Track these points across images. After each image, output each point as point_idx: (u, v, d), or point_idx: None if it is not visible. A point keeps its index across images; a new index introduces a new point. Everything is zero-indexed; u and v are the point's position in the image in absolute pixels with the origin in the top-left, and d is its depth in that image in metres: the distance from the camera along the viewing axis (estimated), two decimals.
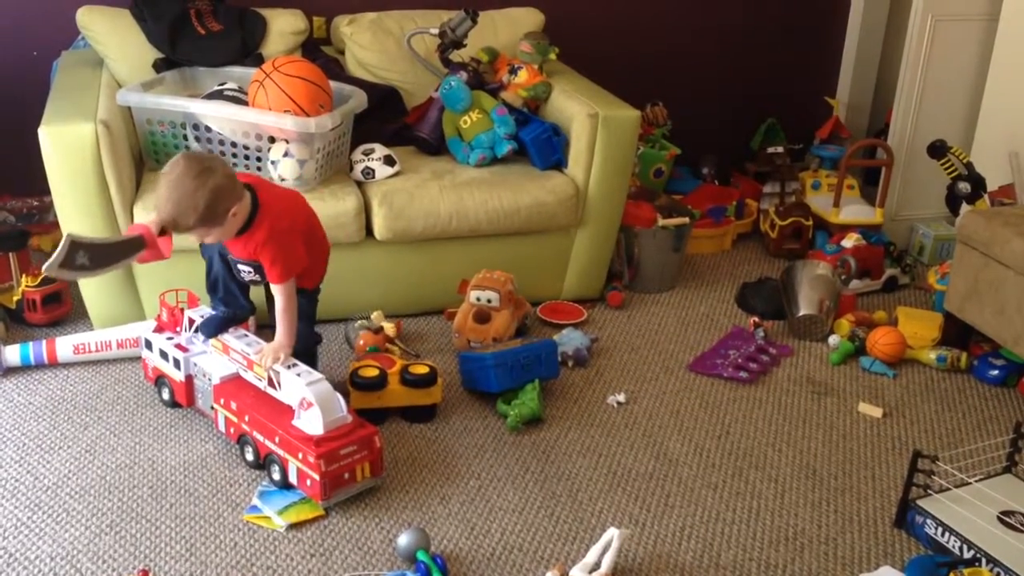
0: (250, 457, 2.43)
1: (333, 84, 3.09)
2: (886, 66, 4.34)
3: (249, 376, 2.47)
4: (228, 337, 2.52)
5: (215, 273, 2.57)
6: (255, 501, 2.33)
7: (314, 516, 2.28)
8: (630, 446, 2.63)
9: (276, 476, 2.35)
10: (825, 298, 3.23)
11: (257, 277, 2.48)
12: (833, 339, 3.18)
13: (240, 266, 2.48)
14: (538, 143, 3.23)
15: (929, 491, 2.32)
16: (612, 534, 2.12)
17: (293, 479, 2.31)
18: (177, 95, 3.06)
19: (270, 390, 2.41)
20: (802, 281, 3.28)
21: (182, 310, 2.67)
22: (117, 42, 3.25)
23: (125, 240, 2.34)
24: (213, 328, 2.55)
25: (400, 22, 3.52)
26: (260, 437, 2.38)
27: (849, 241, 3.58)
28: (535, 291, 3.29)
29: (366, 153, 3.15)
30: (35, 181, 2.92)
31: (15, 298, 3.04)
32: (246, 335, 2.54)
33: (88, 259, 2.29)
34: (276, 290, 2.44)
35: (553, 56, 3.49)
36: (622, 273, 3.51)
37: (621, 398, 2.83)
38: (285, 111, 2.89)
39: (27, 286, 3.01)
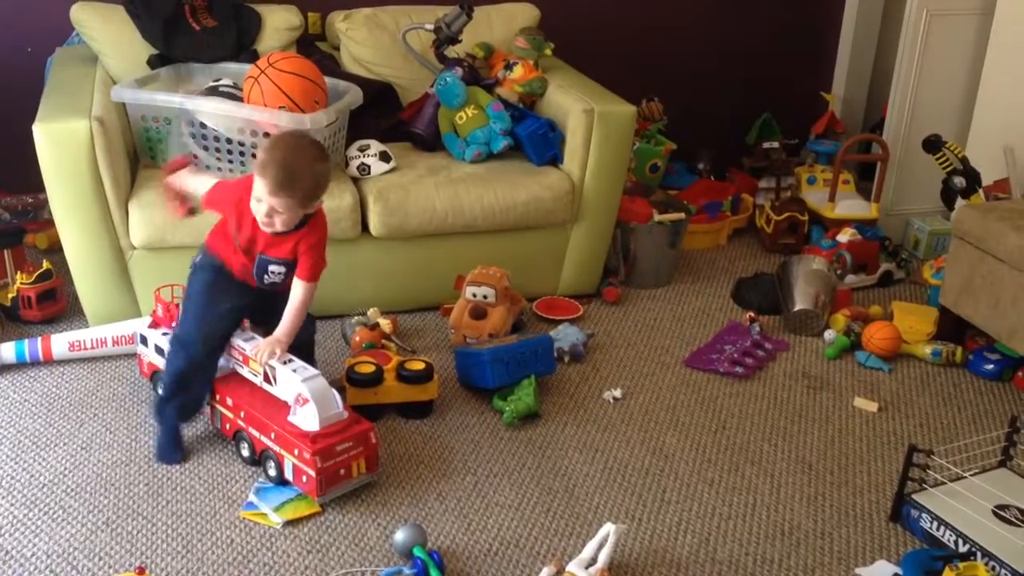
0: (246, 453, 2.43)
1: (328, 80, 3.09)
2: (881, 61, 4.34)
3: (245, 372, 2.47)
4: None
5: (206, 349, 2.42)
6: (251, 498, 2.33)
7: (310, 512, 2.28)
8: (626, 441, 2.63)
9: (272, 472, 2.35)
10: (821, 293, 3.24)
11: (280, 278, 2.41)
12: (829, 334, 3.18)
13: (271, 267, 2.39)
14: (534, 139, 3.23)
15: (924, 485, 2.33)
16: (608, 529, 2.12)
17: (289, 475, 2.31)
18: (172, 91, 3.05)
19: (266, 386, 2.40)
20: (798, 276, 3.29)
21: (177, 305, 2.67)
22: (111, 38, 3.24)
23: None
24: (175, 450, 2.46)
25: (395, 17, 3.51)
26: (256, 433, 2.38)
27: (844, 236, 3.58)
28: (531, 287, 3.29)
29: (361, 149, 3.15)
30: (30, 178, 2.91)
31: (10, 295, 3.03)
32: (242, 331, 2.53)
33: None
34: (302, 288, 2.39)
35: (548, 52, 3.49)
36: (618, 269, 3.52)
37: (617, 393, 2.83)
38: (280, 107, 2.89)
39: (22, 283, 3.00)
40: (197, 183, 2.51)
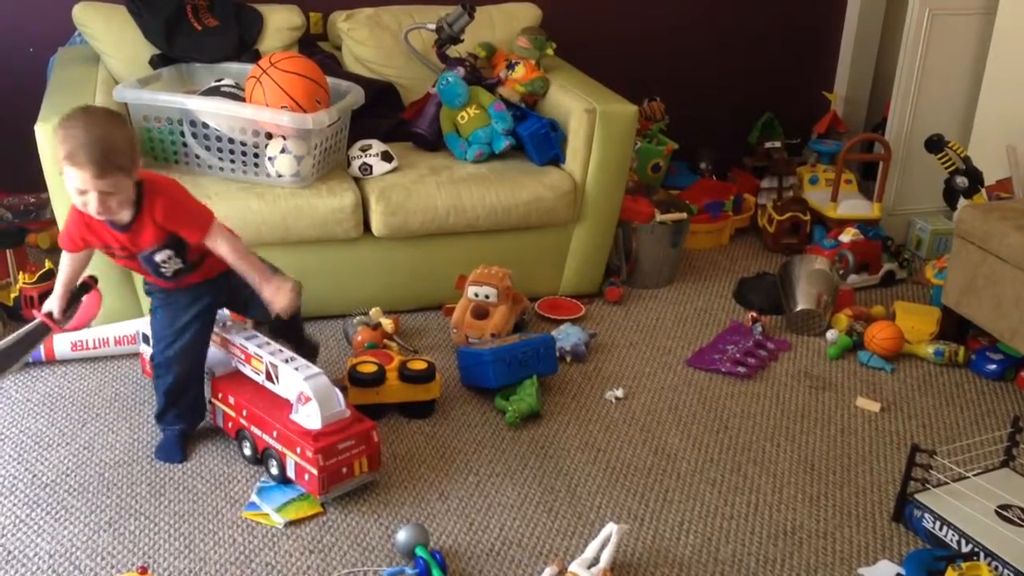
0: (248, 452, 2.43)
1: (330, 80, 3.09)
2: (883, 60, 4.34)
3: (247, 370, 2.47)
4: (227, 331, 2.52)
5: (187, 363, 2.42)
6: (253, 498, 2.33)
7: (312, 513, 2.28)
8: (628, 441, 2.63)
9: (274, 470, 2.35)
10: (823, 293, 3.24)
11: (180, 261, 2.30)
12: (831, 334, 3.18)
13: (157, 257, 2.27)
14: (536, 139, 3.23)
15: (927, 485, 2.33)
16: (611, 529, 2.12)
17: (291, 473, 2.31)
18: (174, 91, 3.05)
19: (268, 384, 2.40)
20: (800, 276, 3.28)
21: None
22: (113, 38, 3.24)
23: (26, 333, 2.35)
24: (178, 450, 2.46)
25: (397, 17, 3.52)
26: (258, 432, 2.38)
27: (847, 236, 3.58)
28: (533, 287, 3.29)
29: (363, 149, 3.14)
30: (32, 177, 2.91)
31: (12, 295, 3.04)
32: (245, 328, 2.53)
33: None
34: (213, 242, 2.25)
35: (550, 51, 3.49)
36: (620, 268, 3.51)
37: (619, 393, 2.83)
38: (282, 107, 2.89)
39: (24, 283, 3.01)
40: (58, 289, 2.42)
